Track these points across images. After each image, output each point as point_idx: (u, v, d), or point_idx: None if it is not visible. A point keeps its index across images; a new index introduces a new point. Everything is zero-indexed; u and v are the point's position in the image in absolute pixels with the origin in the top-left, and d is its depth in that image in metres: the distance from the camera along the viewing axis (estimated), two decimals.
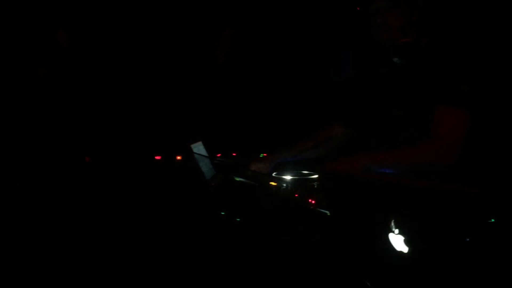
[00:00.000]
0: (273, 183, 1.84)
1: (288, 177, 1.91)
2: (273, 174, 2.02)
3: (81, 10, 3.53)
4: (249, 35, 4.37)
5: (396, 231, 1.00)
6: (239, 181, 1.98)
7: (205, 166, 2.15)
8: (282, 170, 2.07)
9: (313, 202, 1.56)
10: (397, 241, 1.01)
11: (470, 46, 1.84)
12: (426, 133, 1.66)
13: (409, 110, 1.77)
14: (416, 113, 1.74)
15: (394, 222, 0.87)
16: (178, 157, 2.23)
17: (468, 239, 0.87)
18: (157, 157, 2.34)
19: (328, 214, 1.33)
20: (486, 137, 2.08)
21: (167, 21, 4.09)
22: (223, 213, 1.59)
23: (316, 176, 1.90)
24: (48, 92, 3.03)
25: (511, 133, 2.54)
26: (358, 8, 2.04)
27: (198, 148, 2.18)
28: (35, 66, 3.09)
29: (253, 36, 4.44)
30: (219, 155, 2.44)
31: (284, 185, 1.81)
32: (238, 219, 1.51)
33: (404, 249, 1.01)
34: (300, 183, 1.81)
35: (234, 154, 2.49)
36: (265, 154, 2.30)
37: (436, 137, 1.63)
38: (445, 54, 1.72)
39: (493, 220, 0.88)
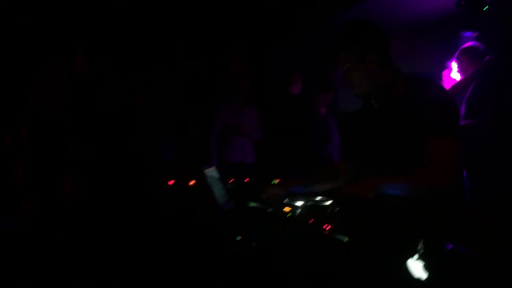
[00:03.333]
0: (287, 209, 1.84)
1: (301, 203, 1.91)
2: (286, 201, 2.02)
3: (99, 36, 3.62)
4: (259, 66, 4.46)
5: (415, 256, 1.00)
6: (253, 206, 1.98)
7: (219, 191, 2.16)
8: (295, 195, 2.07)
9: (328, 228, 1.57)
10: (416, 267, 1.02)
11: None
12: (420, 162, 1.76)
13: (402, 143, 1.87)
14: (409, 145, 1.84)
15: (421, 246, 0.87)
16: (192, 182, 2.25)
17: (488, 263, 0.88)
18: (171, 182, 2.36)
19: (345, 240, 1.33)
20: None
21: (181, 47, 4.19)
22: (238, 238, 1.60)
23: (330, 202, 1.91)
24: (70, 114, 3.09)
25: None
26: None
27: (212, 173, 2.20)
28: (50, 92, 3.16)
29: (263, 67, 4.53)
30: (231, 180, 2.45)
31: (299, 211, 1.81)
32: (254, 244, 1.51)
33: (423, 275, 1.01)
34: (314, 209, 1.81)
35: (246, 179, 2.50)
36: (277, 180, 2.31)
37: (436, 163, 1.73)
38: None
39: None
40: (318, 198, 1.98)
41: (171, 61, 4.23)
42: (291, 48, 5.18)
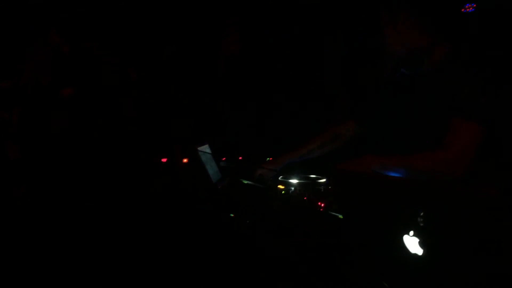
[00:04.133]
0: (280, 186, 1.84)
1: (295, 181, 1.91)
2: (280, 178, 2.01)
3: (83, 16, 3.56)
4: (255, 36, 4.38)
5: (411, 233, 1.00)
6: (247, 184, 1.97)
7: (212, 169, 2.15)
8: (289, 173, 2.06)
9: (322, 205, 1.56)
10: (412, 244, 1.01)
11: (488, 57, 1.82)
12: (437, 142, 1.64)
13: (422, 117, 1.76)
14: (429, 121, 1.72)
15: (422, 217, 0.86)
16: (185, 160, 2.23)
17: (484, 242, 0.87)
18: (163, 160, 2.33)
19: (340, 217, 1.33)
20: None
21: (173, 22, 4.11)
22: (232, 215, 1.59)
23: (323, 180, 1.90)
24: (51, 96, 3.06)
25: None
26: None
27: (205, 150, 2.18)
28: (38, 71, 3.12)
29: (259, 36, 4.44)
30: (224, 158, 2.43)
31: (292, 188, 1.80)
32: (248, 221, 1.50)
33: (419, 251, 1.00)
34: (308, 186, 1.80)
35: (240, 157, 2.48)
36: (270, 158, 2.29)
37: (448, 147, 1.61)
38: (465, 65, 1.69)
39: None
40: (312, 176, 1.98)
41: (161, 39, 4.16)
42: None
